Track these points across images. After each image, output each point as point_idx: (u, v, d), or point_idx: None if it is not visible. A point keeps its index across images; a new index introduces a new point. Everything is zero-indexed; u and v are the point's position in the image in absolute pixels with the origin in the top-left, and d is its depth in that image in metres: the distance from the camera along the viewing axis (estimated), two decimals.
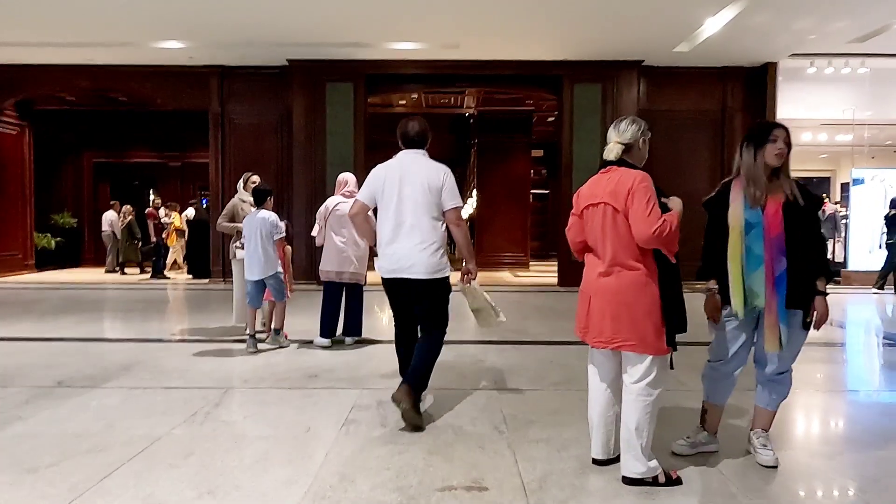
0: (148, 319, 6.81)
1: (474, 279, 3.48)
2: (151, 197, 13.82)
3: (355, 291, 5.36)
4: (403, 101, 13.56)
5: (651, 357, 2.48)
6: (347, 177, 5.37)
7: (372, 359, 4.77)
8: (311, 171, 10.44)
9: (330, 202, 5.26)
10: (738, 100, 10.80)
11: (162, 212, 12.16)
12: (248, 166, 11.26)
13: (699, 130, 10.87)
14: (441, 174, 3.27)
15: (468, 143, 17.68)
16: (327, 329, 5.22)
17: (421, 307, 3.30)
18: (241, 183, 5.84)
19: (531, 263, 14.83)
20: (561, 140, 10.64)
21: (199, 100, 10.92)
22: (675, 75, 10.75)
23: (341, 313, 5.31)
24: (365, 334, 5.43)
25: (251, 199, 5.47)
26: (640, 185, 2.53)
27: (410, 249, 3.19)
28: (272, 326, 5.22)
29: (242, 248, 5.37)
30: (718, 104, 10.83)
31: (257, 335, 5.44)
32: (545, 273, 13.77)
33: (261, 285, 5.09)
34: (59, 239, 13.53)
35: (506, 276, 13.07)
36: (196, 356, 4.81)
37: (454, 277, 3.37)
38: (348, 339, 5.29)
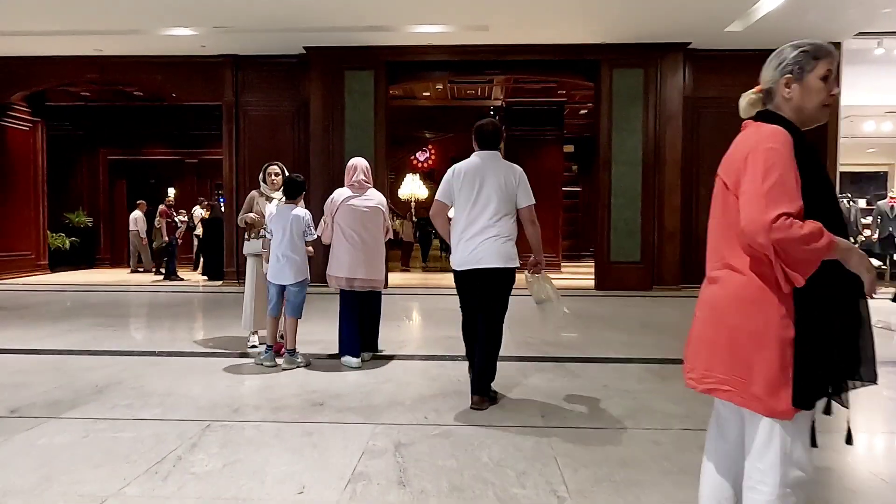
0: (147, 327, 6.19)
1: (543, 271, 3.67)
2: (172, 193, 13.31)
3: (372, 300, 4.62)
4: (427, 93, 12.82)
5: (770, 421, 1.52)
6: (358, 162, 4.56)
7: (389, 380, 4.02)
8: (329, 166, 9.75)
9: (338, 194, 4.50)
10: None
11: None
12: (264, 161, 10.65)
13: None
14: (517, 173, 3.52)
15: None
16: (351, 346, 4.41)
17: (489, 295, 3.45)
18: (261, 175, 5.14)
19: (562, 265, 13.96)
20: (598, 131, 9.77)
21: (212, 91, 10.33)
22: (725, 59, 9.78)
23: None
24: (381, 347, 4.71)
25: (275, 194, 4.82)
26: (763, 146, 1.53)
27: (486, 242, 3.38)
28: (287, 347, 4.46)
29: (260, 238, 4.70)
30: None
31: (254, 349, 4.77)
32: (579, 275, 12.89)
33: (283, 291, 4.45)
34: (73, 239, 13.11)
35: None
36: (187, 374, 4.12)
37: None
38: (365, 355, 4.55)
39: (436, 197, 3.57)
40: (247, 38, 9.35)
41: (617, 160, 9.65)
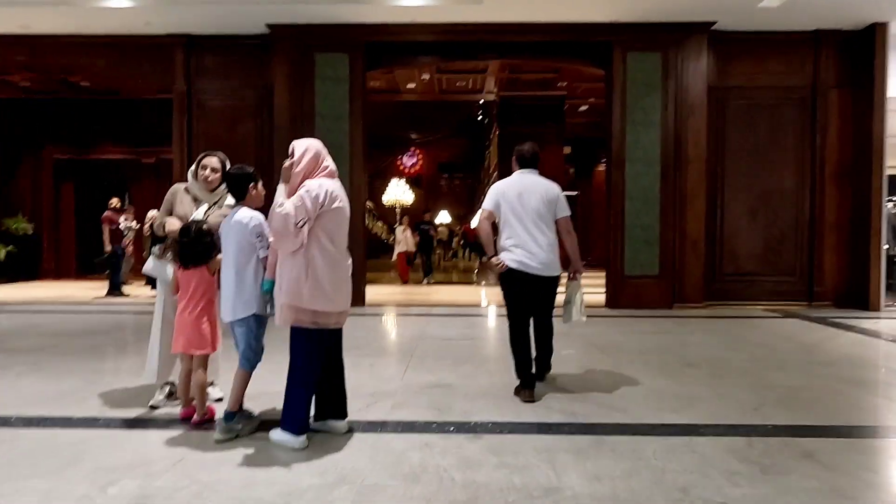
0: (29, 372, 4.70)
1: (580, 276, 4.16)
2: (115, 201, 11.73)
3: (340, 339, 3.23)
4: (412, 85, 11.46)
5: None
6: (318, 147, 3.07)
7: (343, 481, 2.58)
8: None
9: (329, 186, 2.99)
10: (833, 72, 8.54)
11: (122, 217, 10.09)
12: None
13: (784, 112, 8.63)
14: (557, 189, 4.01)
15: (483, 146, 15.71)
16: (304, 416, 2.97)
17: (543, 298, 3.97)
18: (192, 168, 3.69)
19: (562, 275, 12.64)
20: (610, 125, 8.44)
21: (160, 77, 8.91)
22: (754, 42, 8.54)
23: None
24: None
25: (207, 196, 3.49)
26: None
27: (541, 250, 3.82)
28: (228, 408, 3.05)
29: (163, 255, 3.35)
30: (808, 78, 8.58)
31: (166, 400, 3.38)
32: (584, 287, 11.52)
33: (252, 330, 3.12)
34: (10, 248, 11.55)
35: None
36: (30, 460, 2.68)
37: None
38: (340, 425, 3.11)
39: (484, 205, 3.97)
40: (200, 14, 7.95)
41: (632, 158, 8.32)
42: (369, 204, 29.51)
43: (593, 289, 10.90)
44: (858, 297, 8.34)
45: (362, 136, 8.44)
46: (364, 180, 8.48)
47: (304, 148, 3.03)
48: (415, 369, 4.55)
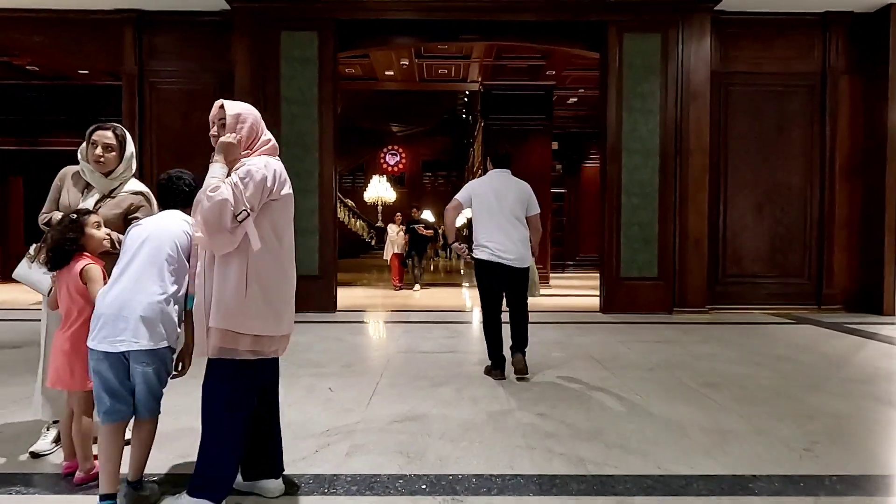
0: None
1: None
2: None
3: (277, 372, 2.44)
4: (391, 72, 10.66)
5: None
6: (256, 114, 2.27)
7: None
8: None
9: (276, 166, 2.22)
10: (844, 58, 7.93)
11: None
12: (175, 149, 8.39)
13: (791, 100, 7.99)
14: (528, 187, 4.32)
15: (466, 142, 15.02)
16: (230, 478, 2.21)
17: (515, 289, 4.22)
18: (82, 146, 2.85)
19: (550, 275, 11.92)
20: (605, 112, 7.73)
21: (107, 58, 8.01)
22: (759, 24, 7.89)
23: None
24: (285, 452, 2.50)
25: (94, 176, 2.69)
26: None
27: (514, 244, 4.12)
28: (131, 478, 2.20)
29: (37, 257, 2.56)
30: (817, 64, 7.95)
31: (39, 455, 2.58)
32: (573, 290, 10.85)
33: (123, 368, 2.15)
34: None
35: None
36: None
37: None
38: (272, 486, 2.31)
39: (457, 196, 4.26)
40: None
41: (629, 149, 7.62)
42: (350, 202, 28.73)
43: (585, 291, 10.22)
44: (870, 301, 7.73)
45: (333, 123, 7.63)
46: (334, 171, 7.66)
47: (239, 112, 2.23)
48: (383, 395, 3.77)
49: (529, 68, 10.48)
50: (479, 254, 4.18)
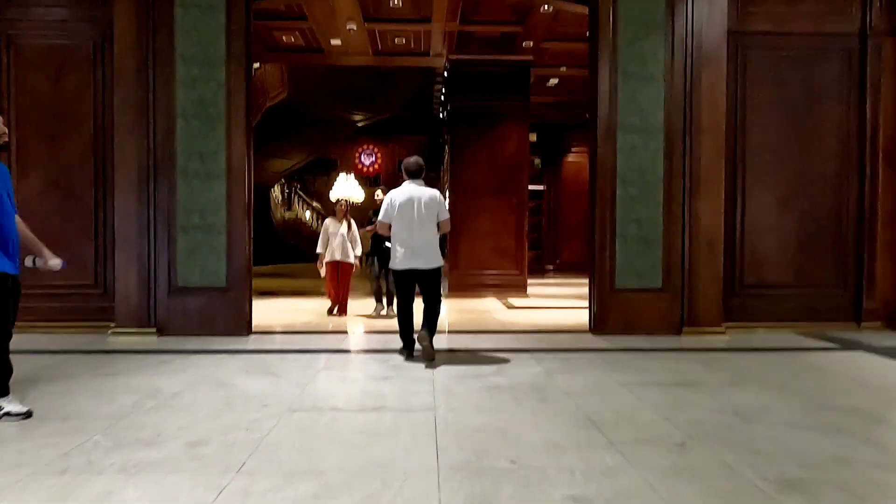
0: None
1: None
2: None
3: None
4: (337, 41, 8.90)
5: None
6: None
7: None
8: (143, 133, 5.73)
9: None
10: (887, 16, 6.41)
11: None
12: (41, 121, 6.48)
13: (823, 67, 6.46)
14: (438, 195, 4.90)
15: (441, 141, 13.39)
16: None
17: (426, 287, 4.85)
18: None
19: (528, 281, 10.27)
20: (596, 79, 6.09)
21: None
22: None
23: None
24: None
25: None
26: None
27: (422, 248, 4.75)
28: None
29: None
30: (855, 23, 6.42)
31: None
32: (554, 299, 9.22)
33: None
34: None
35: (491, 307, 8.44)
36: None
37: None
38: None
39: (380, 218, 4.95)
40: None
41: (625, 126, 6.00)
42: (316, 204, 26.87)
43: (568, 302, 8.59)
44: None
45: (245, 89, 5.87)
46: (248, 151, 5.90)
47: None
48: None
49: (502, 38, 8.83)
50: (394, 262, 4.98)
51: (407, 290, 4.88)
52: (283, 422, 3.18)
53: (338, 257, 7.53)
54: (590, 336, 5.98)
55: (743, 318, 6.34)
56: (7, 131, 3.55)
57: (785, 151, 6.43)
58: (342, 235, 7.58)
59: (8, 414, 3.15)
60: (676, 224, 6.00)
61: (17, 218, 3.32)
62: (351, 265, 7.62)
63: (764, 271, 6.45)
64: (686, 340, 5.74)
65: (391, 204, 4.83)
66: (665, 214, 6.01)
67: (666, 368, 4.53)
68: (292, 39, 8.98)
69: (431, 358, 4.61)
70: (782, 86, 6.42)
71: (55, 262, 3.37)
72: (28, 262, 3.35)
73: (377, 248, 7.22)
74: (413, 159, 4.95)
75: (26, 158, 6.07)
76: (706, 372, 4.43)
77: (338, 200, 8.01)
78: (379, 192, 8.36)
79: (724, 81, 6.05)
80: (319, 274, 7.74)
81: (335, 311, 7.58)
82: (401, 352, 4.91)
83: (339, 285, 7.55)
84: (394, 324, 5.15)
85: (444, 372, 4.34)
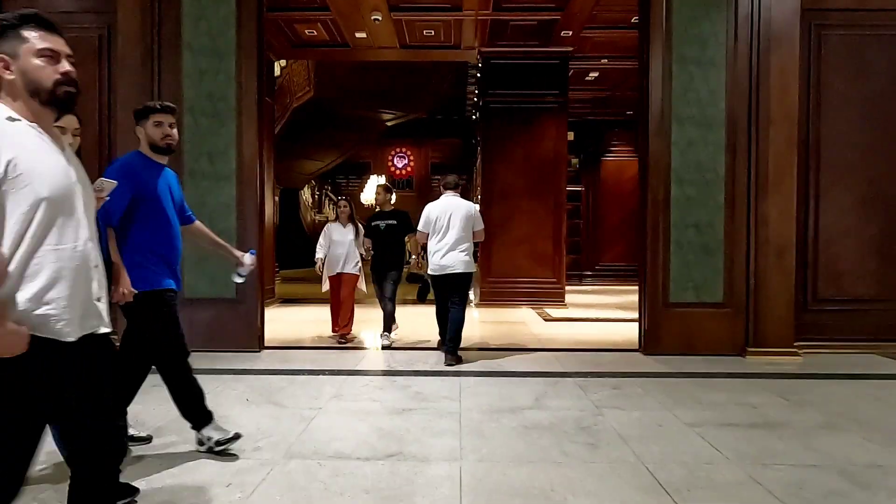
0: None
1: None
2: None
3: None
4: (362, 34, 8.37)
5: None
6: None
7: None
8: None
9: None
10: None
11: None
12: None
13: None
14: (473, 207, 5.28)
15: (474, 142, 12.78)
16: None
17: (457, 290, 5.14)
18: None
19: (566, 289, 9.56)
20: (648, 65, 5.39)
21: None
22: None
23: None
24: None
25: None
26: None
27: (456, 255, 5.08)
28: None
29: None
30: None
31: None
32: (594, 309, 8.49)
33: None
34: None
35: (527, 318, 7.77)
36: None
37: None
38: None
39: (419, 229, 5.30)
40: None
41: (681, 117, 5.29)
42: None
43: (610, 312, 7.86)
44: None
45: (257, 82, 5.37)
46: (261, 151, 5.40)
47: None
48: None
49: (540, 26, 8.15)
50: (431, 267, 5.34)
51: (443, 293, 5.22)
52: (275, 474, 2.61)
53: (340, 270, 6.14)
54: (640, 356, 5.27)
55: (817, 337, 5.53)
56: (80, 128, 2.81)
57: (866, 146, 5.60)
58: (350, 243, 6.12)
59: (219, 443, 2.83)
60: (741, 229, 5.25)
61: (198, 224, 3.12)
62: (356, 276, 6.16)
63: (842, 283, 5.63)
64: (752, 363, 4.98)
65: (430, 213, 5.19)
66: (727, 218, 5.27)
67: (736, 401, 3.81)
68: (315, 33, 8.48)
69: (458, 362, 4.94)
70: (864, 70, 5.59)
71: (248, 259, 3.10)
72: (237, 278, 3.12)
73: (378, 264, 6.05)
74: (451, 177, 5.44)
75: None
76: (787, 408, 3.69)
77: (338, 201, 6.63)
78: (374, 195, 7.42)
79: (797, 66, 5.27)
80: (322, 287, 6.36)
81: (338, 332, 6.10)
82: (439, 346, 5.42)
83: (342, 301, 6.12)
84: (417, 341, 4.54)
85: (473, 403, 3.72)
